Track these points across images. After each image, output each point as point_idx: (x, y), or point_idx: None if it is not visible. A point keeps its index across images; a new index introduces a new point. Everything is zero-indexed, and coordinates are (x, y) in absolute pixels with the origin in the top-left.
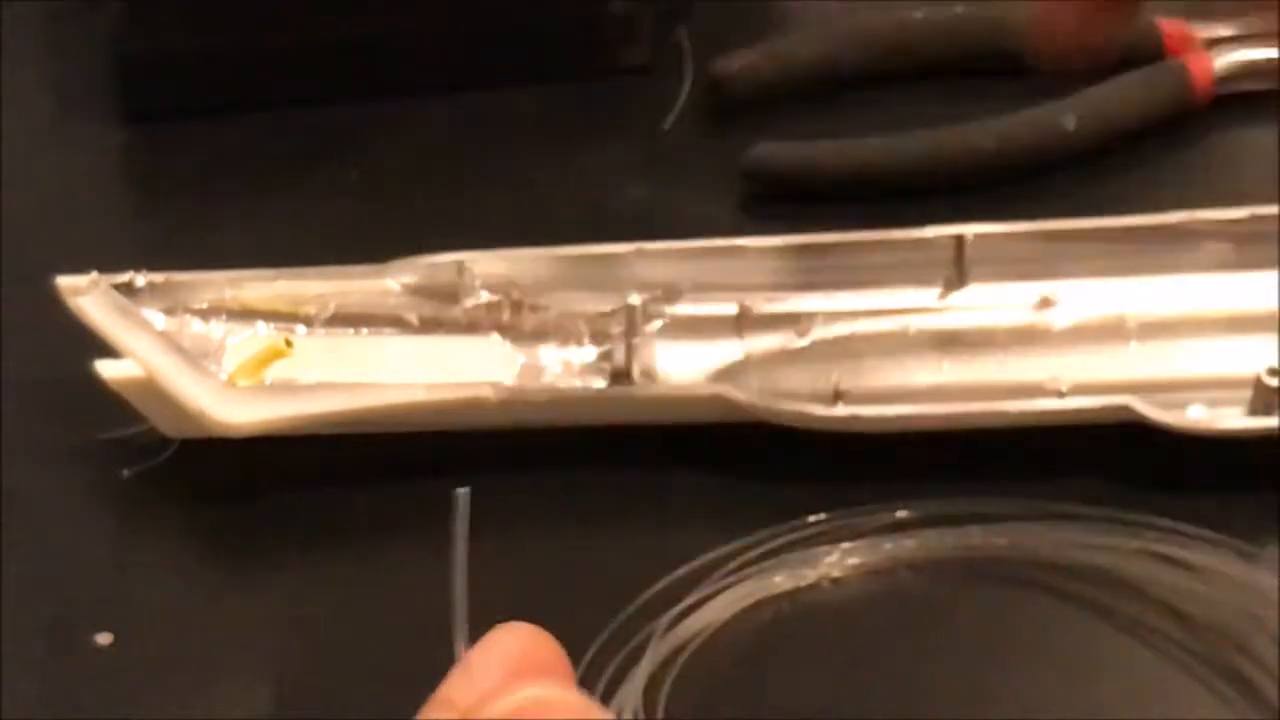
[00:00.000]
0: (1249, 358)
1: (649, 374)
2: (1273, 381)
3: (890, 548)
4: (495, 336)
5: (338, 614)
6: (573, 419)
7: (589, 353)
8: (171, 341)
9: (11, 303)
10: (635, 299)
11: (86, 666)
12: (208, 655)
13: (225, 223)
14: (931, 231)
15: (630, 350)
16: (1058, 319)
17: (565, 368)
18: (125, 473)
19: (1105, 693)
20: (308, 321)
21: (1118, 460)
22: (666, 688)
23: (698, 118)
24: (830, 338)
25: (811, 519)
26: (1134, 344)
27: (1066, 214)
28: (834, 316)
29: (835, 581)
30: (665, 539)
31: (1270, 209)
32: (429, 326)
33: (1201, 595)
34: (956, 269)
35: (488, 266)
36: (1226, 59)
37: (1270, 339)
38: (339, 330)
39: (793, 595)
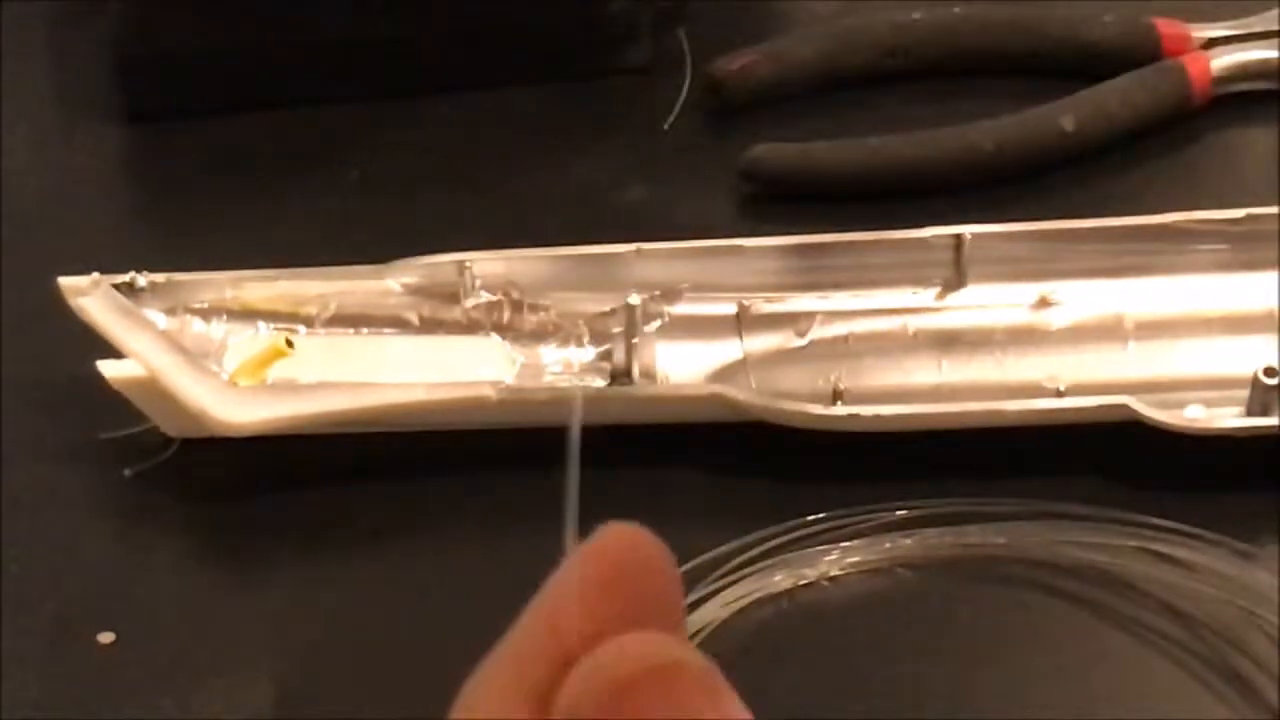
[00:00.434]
0: (1247, 357)
1: (649, 374)
2: (1270, 381)
3: (889, 547)
4: (495, 336)
5: (338, 614)
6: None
7: (589, 353)
8: (173, 341)
9: (12, 303)
10: (635, 299)
11: (88, 665)
12: (208, 654)
13: (226, 223)
14: (931, 231)
15: (630, 350)
16: (1056, 319)
17: (565, 368)
18: (126, 472)
19: (1103, 691)
20: (308, 321)
21: (1116, 460)
22: None
23: (698, 118)
24: (829, 337)
25: (810, 518)
26: (1132, 344)
27: (1065, 214)
28: (833, 316)
29: (834, 581)
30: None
31: (1268, 209)
32: (429, 326)
33: (1199, 594)
34: (955, 269)
35: (488, 266)
36: (1225, 59)
37: (1268, 339)
38: (340, 330)
39: (791, 594)
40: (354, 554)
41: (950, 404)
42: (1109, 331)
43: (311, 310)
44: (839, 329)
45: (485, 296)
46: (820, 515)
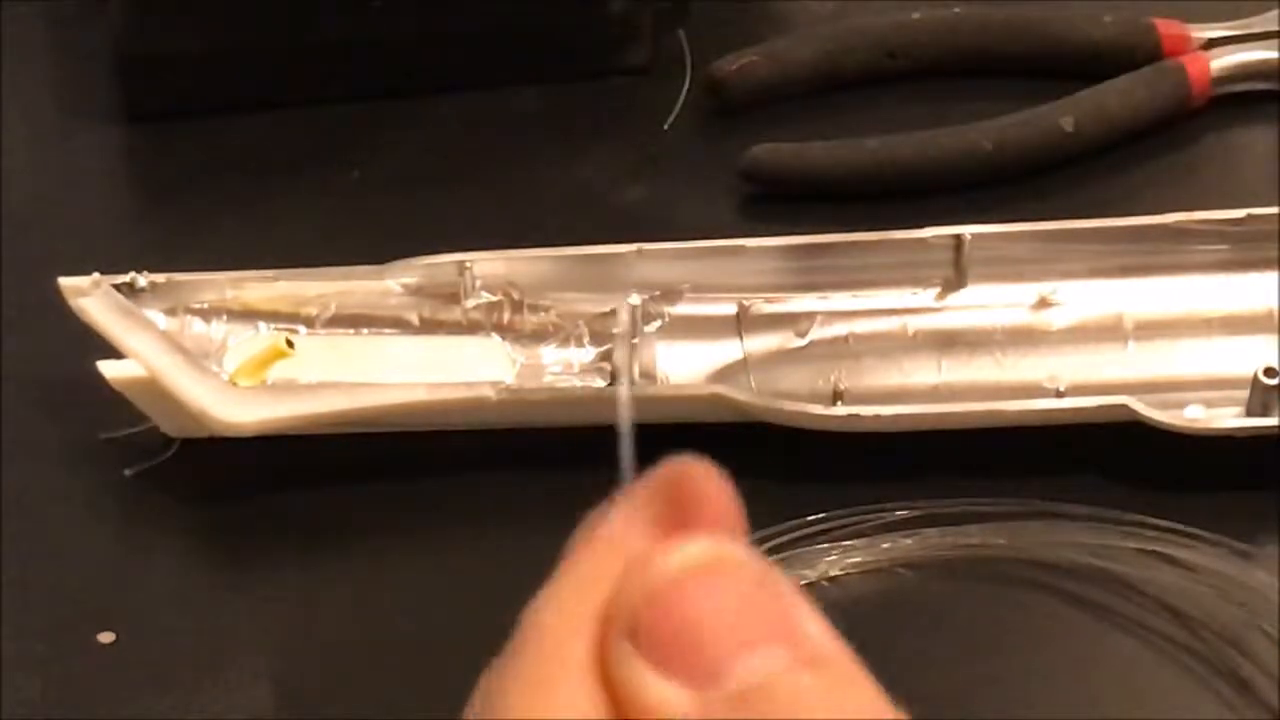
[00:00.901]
0: (1246, 357)
1: (649, 374)
2: (1270, 381)
3: (888, 547)
4: (495, 336)
5: (338, 614)
6: (573, 419)
7: (589, 353)
8: (173, 341)
9: (12, 303)
10: (635, 299)
11: (88, 665)
12: (208, 654)
13: (226, 223)
14: (930, 232)
15: (630, 350)
16: (1056, 319)
17: (565, 368)
18: (127, 472)
19: (1103, 691)
20: (309, 322)
21: (1116, 460)
22: None
23: (697, 118)
24: (829, 338)
25: (811, 519)
26: (1132, 344)
27: (1065, 214)
28: (833, 316)
29: (834, 581)
30: None
31: (1268, 209)
32: (429, 326)
33: (1199, 595)
34: (955, 269)
35: (488, 266)
36: (1224, 59)
37: (1268, 339)
38: (340, 330)
39: None
40: (354, 554)
41: (950, 404)
42: (1109, 332)
43: (311, 310)
44: (839, 329)
45: (485, 296)
46: (820, 515)
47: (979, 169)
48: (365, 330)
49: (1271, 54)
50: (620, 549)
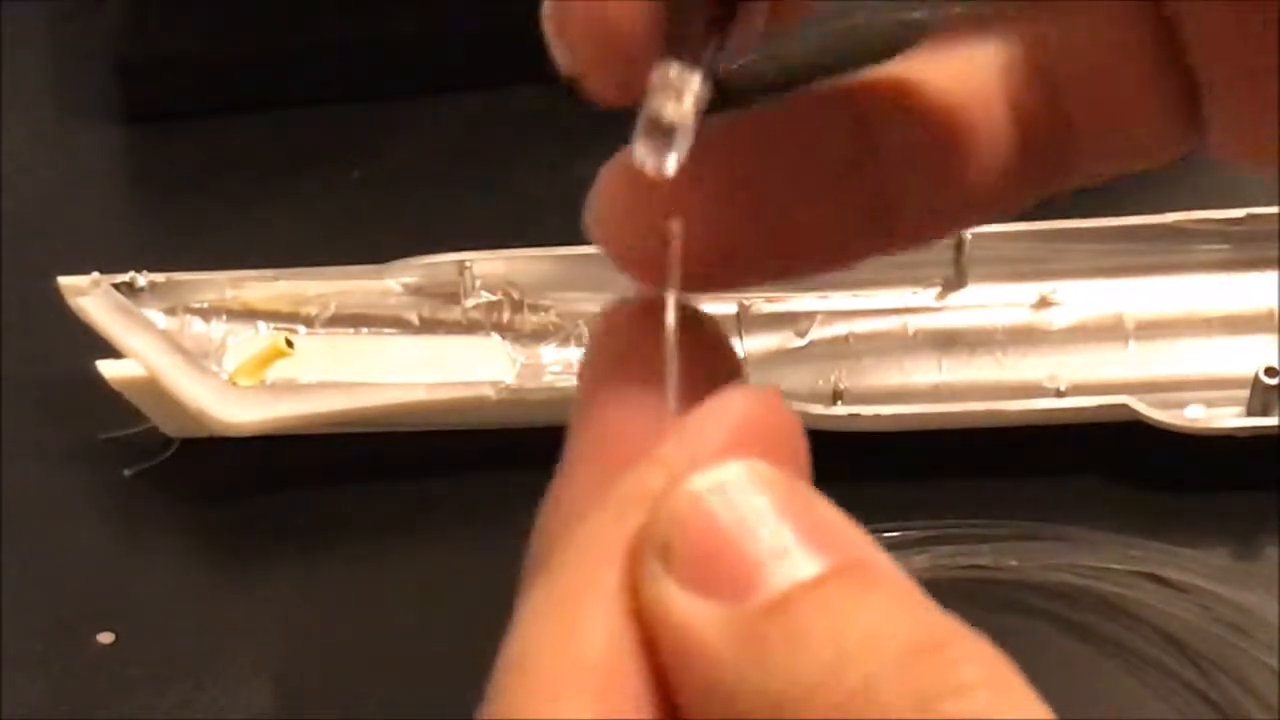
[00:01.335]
0: (1247, 357)
1: None
2: (1270, 381)
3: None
4: (495, 336)
5: (338, 614)
6: None
7: None
8: (172, 341)
9: (12, 303)
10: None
11: (88, 665)
12: (208, 654)
13: (226, 223)
14: None
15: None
16: (1057, 319)
17: (565, 368)
18: (126, 472)
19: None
20: (308, 321)
21: (1116, 460)
22: None
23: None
24: (829, 337)
25: None
26: (1132, 344)
27: (1066, 214)
28: (833, 316)
29: None
30: None
31: (1268, 209)
32: (429, 326)
33: (1194, 619)
34: (956, 269)
35: (488, 266)
36: None
37: (1268, 339)
38: (339, 330)
39: None
40: (354, 554)
41: (950, 404)
42: (1109, 331)
43: (311, 310)
44: (839, 329)
45: (485, 296)
46: None
47: None
48: (365, 330)
49: None
50: (666, 471)
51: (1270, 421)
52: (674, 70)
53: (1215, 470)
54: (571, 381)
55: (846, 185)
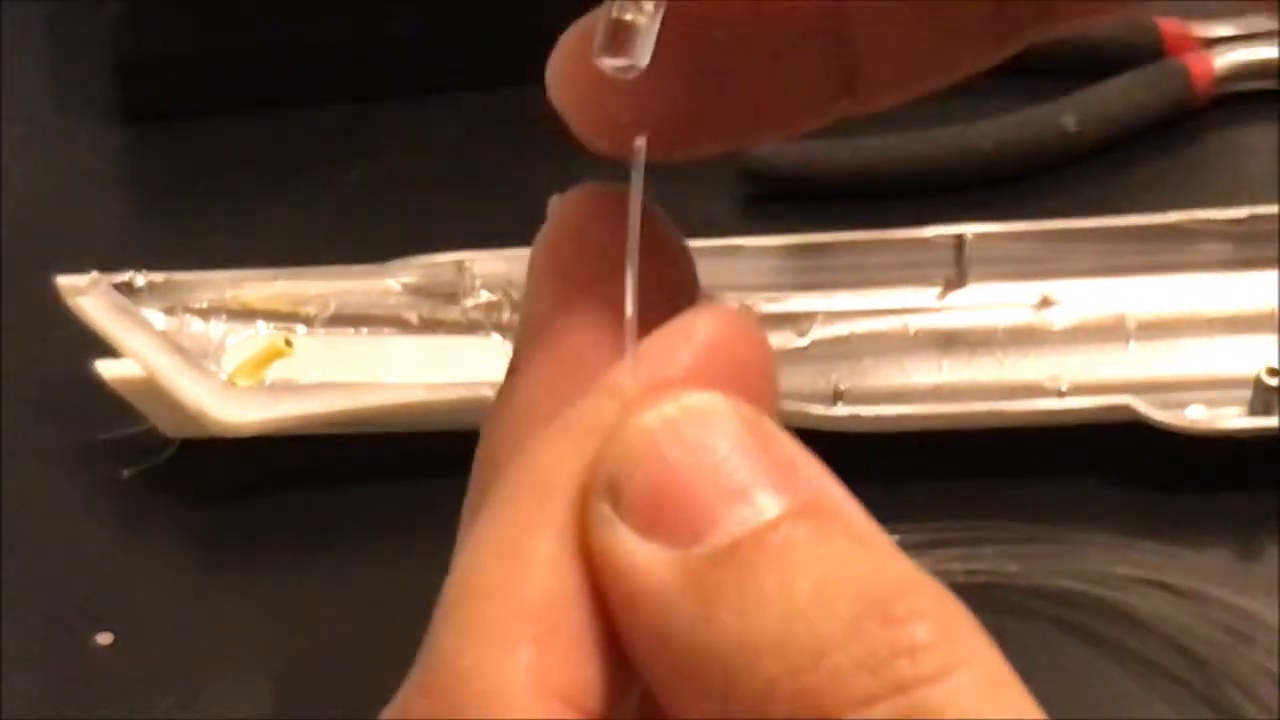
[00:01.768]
0: (1248, 357)
1: None
2: (1272, 381)
3: None
4: (495, 336)
5: (337, 614)
6: None
7: None
8: (171, 341)
9: (11, 303)
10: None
11: (87, 666)
12: (208, 655)
13: (225, 223)
14: (931, 231)
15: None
16: (1058, 319)
17: None
18: (125, 472)
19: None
20: (308, 321)
21: (1117, 460)
22: None
23: None
24: (830, 338)
25: None
26: (1134, 344)
27: (1066, 214)
28: (834, 316)
29: None
30: None
31: (1270, 208)
32: (429, 326)
33: (1197, 625)
34: (956, 269)
35: (488, 266)
36: (1226, 59)
37: (1270, 338)
38: (339, 330)
39: None
40: (354, 554)
41: (951, 404)
42: (1111, 331)
43: (311, 310)
44: (840, 329)
45: (485, 296)
46: None
47: (980, 169)
48: (364, 330)
49: (1274, 53)
50: (620, 401)
51: (1272, 422)
52: None
53: (1217, 470)
54: None
55: (810, 45)
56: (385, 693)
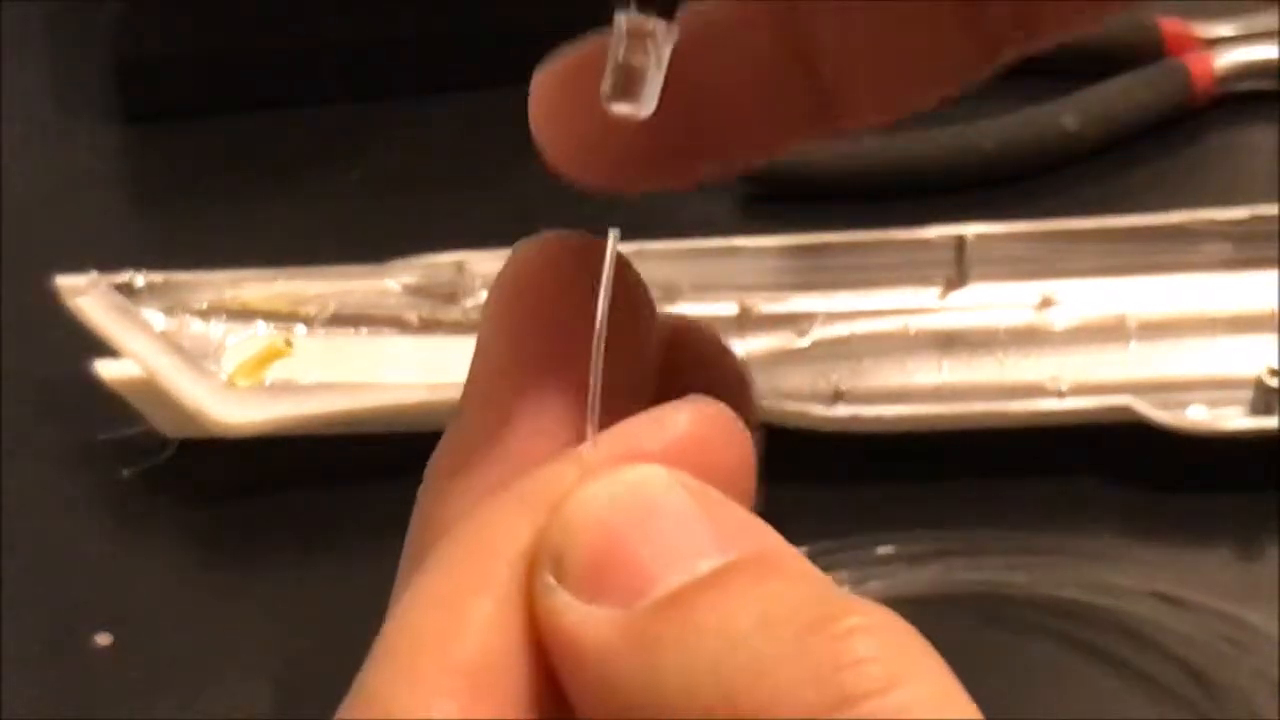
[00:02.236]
0: (1249, 357)
1: None
2: (1273, 381)
3: (876, 585)
4: None
5: (338, 614)
6: None
7: None
8: (171, 341)
9: (11, 303)
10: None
11: (86, 666)
12: (208, 655)
13: (225, 223)
14: (932, 231)
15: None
16: (1058, 319)
17: None
18: (125, 473)
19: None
20: (307, 321)
21: (1118, 460)
22: None
23: None
24: (830, 338)
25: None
26: (1134, 344)
27: (1067, 214)
28: (834, 316)
29: None
30: None
31: (1270, 208)
32: (429, 326)
33: (1197, 635)
34: (957, 269)
35: (488, 266)
36: (1226, 59)
37: (1270, 339)
38: (339, 330)
39: None
40: (354, 554)
41: (952, 405)
42: (1111, 332)
43: (310, 310)
44: (840, 329)
45: (485, 296)
46: (804, 549)
47: (980, 169)
48: (364, 330)
49: (1274, 53)
50: (580, 472)
51: (1273, 422)
52: (641, 16)
53: (1218, 471)
54: None
55: (783, 75)
56: None
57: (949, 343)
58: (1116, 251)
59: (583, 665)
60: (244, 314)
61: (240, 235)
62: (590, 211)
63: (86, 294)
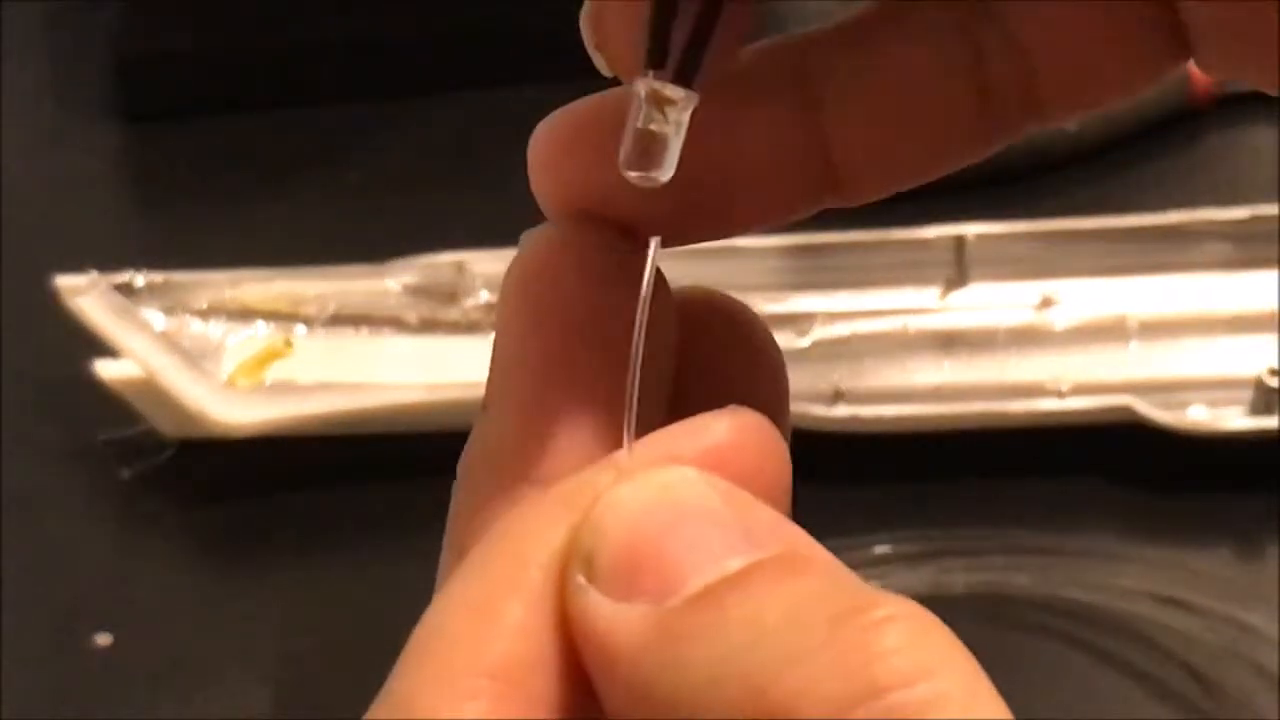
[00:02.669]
0: (1249, 358)
1: None
2: (1273, 381)
3: (875, 585)
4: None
5: (338, 614)
6: None
7: None
8: (171, 342)
9: (10, 302)
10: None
11: (86, 666)
12: (208, 655)
13: (225, 223)
14: (932, 231)
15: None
16: (1058, 319)
17: None
18: (125, 473)
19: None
20: (307, 321)
21: (1118, 460)
22: None
23: None
24: (830, 338)
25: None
26: (1134, 344)
27: (1067, 214)
28: (834, 316)
29: None
30: None
31: (1270, 209)
32: (429, 326)
33: (1198, 635)
34: (957, 269)
35: (488, 266)
36: None
37: (1270, 339)
38: (339, 330)
39: None
40: (353, 554)
41: (952, 405)
42: (1111, 332)
43: (310, 310)
44: (840, 329)
45: (485, 296)
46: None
47: (981, 169)
48: (364, 330)
49: None
50: (618, 476)
51: (1273, 422)
52: (660, 82)
53: (1218, 471)
54: None
55: (789, 144)
56: None
57: (949, 343)
58: (1116, 251)
59: (614, 663)
60: (244, 314)
61: (240, 235)
62: None
63: (86, 294)
